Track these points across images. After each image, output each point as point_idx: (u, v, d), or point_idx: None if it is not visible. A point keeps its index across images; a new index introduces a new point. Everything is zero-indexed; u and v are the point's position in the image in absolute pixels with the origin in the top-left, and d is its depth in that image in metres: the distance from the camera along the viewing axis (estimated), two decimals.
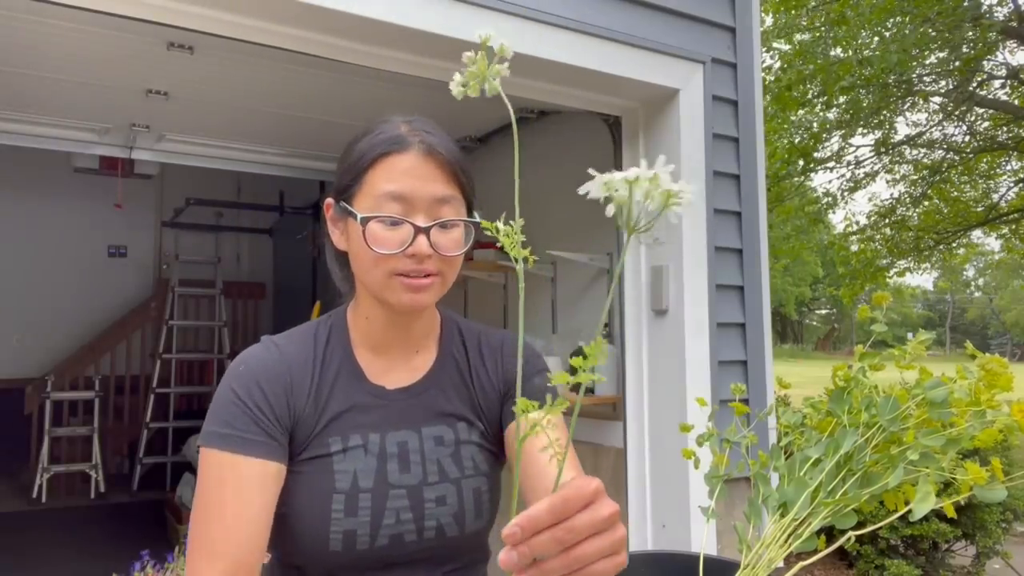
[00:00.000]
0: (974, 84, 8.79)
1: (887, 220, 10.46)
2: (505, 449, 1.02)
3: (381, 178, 0.90)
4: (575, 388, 0.53)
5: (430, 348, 1.03)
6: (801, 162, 9.44)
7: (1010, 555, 4.15)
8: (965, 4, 7.67)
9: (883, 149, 10.03)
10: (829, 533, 0.64)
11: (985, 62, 8.65)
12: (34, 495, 5.62)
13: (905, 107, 9.61)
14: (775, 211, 9.55)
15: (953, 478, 0.61)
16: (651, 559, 0.73)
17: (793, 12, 8.91)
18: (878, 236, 10.59)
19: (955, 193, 10.40)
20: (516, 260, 0.54)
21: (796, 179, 9.97)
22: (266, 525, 0.87)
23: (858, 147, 10.91)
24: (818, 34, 8.85)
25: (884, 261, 10.39)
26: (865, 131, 9.71)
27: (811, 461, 0.66)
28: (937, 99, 9.52)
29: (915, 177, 10.36)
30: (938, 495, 0.61)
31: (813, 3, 8.81)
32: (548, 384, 1.03)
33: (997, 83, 9.19)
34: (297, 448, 0.92)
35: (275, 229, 7.40)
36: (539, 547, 0.52)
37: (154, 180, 6.10)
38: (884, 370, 0.68)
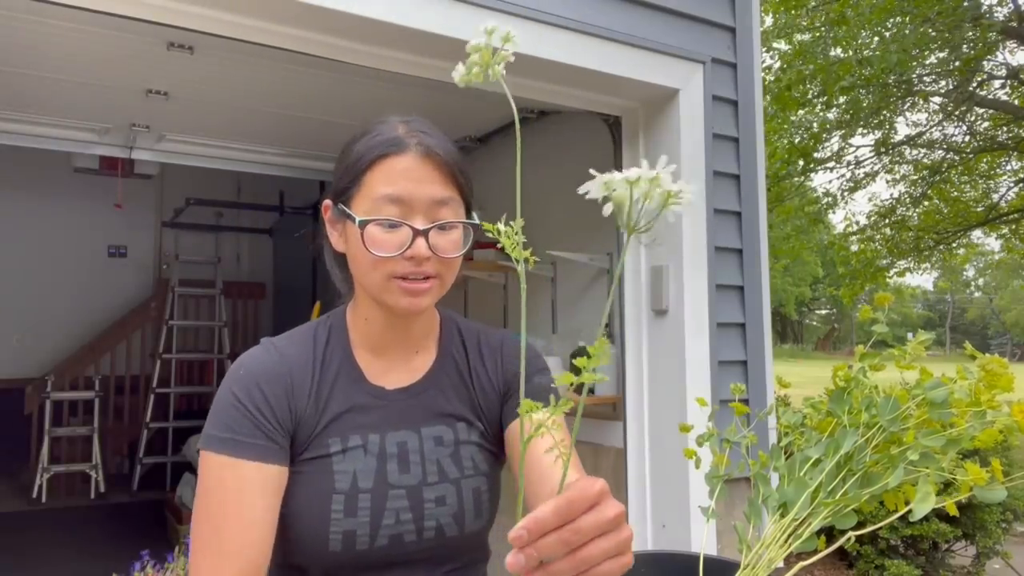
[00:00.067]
0: (974, 84, 8.79)
1: (887, 220, 10.47)
2: (505, 449, 1.02)
3: (379, 180, 0.89)
4: (578, 389, 0.53)
5: (429, 348, 1.03)
6: (801, 162, 9.44)
7: (1010, 555, 4.15)
8: (965, 4, 7.67)
9: (883, 149, 10.03)
10: (829, 533, 0.64)
11: (985, 62, 8.65)
12: (34, 495, 5.62)
13: (905, 107, 9.61)
14: (775, 211, 9.55)
15: (953, 478, 0.61)
16: (651, 559, 0.73)
17: (793, 12, 8.91)
18: (878, 236, 10.59)
19: (955, 193, 10.40)
20: (517, 261, 0.54)
21: (796, 179, 9.97)
22: (271, 527, 0.88)
23: (858, 147, 10.92)
24: (818, 34, 8.85)
25: (884, 261, 10.39)
26: (865, 131, 9.71)
27: (811, 461, 0.66)
28: (937, 99, 9.52)
29: (915, 177, 10.36)
30: (938, 495, 0.61)
31: (813, 3, 8.81)
32: (550, 382, 1.04)
33: (997, 83, 9.19)
34: (298, 449, 0.92)
35: (275, 229, 7.40)
36: (546, 549, 0.52)
37: (154, 180, 6.10)
38: (884, 370, 0.68)
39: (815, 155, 9.58)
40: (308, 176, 4.26)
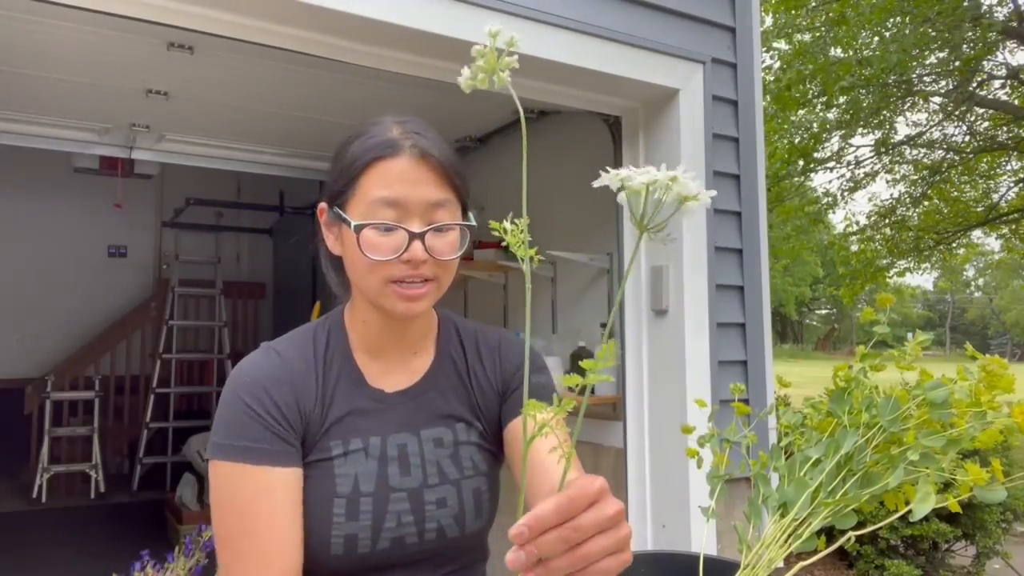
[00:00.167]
0: (974, 84, 8.79)
1: (887, 220, 10.47)
2: (504, 448, 1.02)
3: (374, 183, 0.89)
4: (580, 389, 0.53)
5: (428, 349, 1.03)
6: (801, 162, 9.44)
7: (1010, 555, 4.15)
8: (965, 4, 7.67)
9: (883, 149, 10.03)
10: (829, 533, 0.64)
11: (985, 62, 8.66)
12: (34, 495, 5.62)
13: (905, 107, 9.62)
14: (775, 211, 9.55)
15: (953, 478, 0.61)
16: (651, 559, 0.73)
17: (793, 12, 8.91)
18: (878, 236, 10.59)
19: (955, 193, 10.40)
20: (522, 260, 0.54)
21: (796, 179, 9.97)
22: (301, 530, 0.88)
23: (858, 147, 10.91)
24: (818, 34, 8.85)
25: (884, 261, 10.39)
26: (865, 131, 9.71)
27: (811, 461, 0.66)
28: (937, 99, 9.52)
29: (915, 177, 10.37)
30: (938, 495, 0.61)
31: (813, 3, 8.81)
32: (548, 381, 1.04)
33: (997, 83, 9.19)
34: (304, 451, 0.92)
35: (275, 229, 7.40)
36: (546, 546, 0.53)
37: (154, 180, 6.10)
38: (884, 370, 0.68)
39: (815, 155, 9.58)
40: (308, 176, 4.26)
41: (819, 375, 3.28)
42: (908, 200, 10.30)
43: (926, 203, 10.35)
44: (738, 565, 0.65)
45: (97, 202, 6.43)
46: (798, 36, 9.05)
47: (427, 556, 0.94)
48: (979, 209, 10.10)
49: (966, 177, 10.17)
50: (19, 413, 6.01)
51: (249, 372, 0.92)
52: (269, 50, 2.03)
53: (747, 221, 2.68)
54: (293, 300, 6.75)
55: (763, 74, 6.94)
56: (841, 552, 4.19)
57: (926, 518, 3.83)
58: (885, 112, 9.37)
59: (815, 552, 0.65)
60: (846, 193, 10.22)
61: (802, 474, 0.66)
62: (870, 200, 11.04)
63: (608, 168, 0.51)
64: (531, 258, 0.55)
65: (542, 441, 0.55)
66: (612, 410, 2.84)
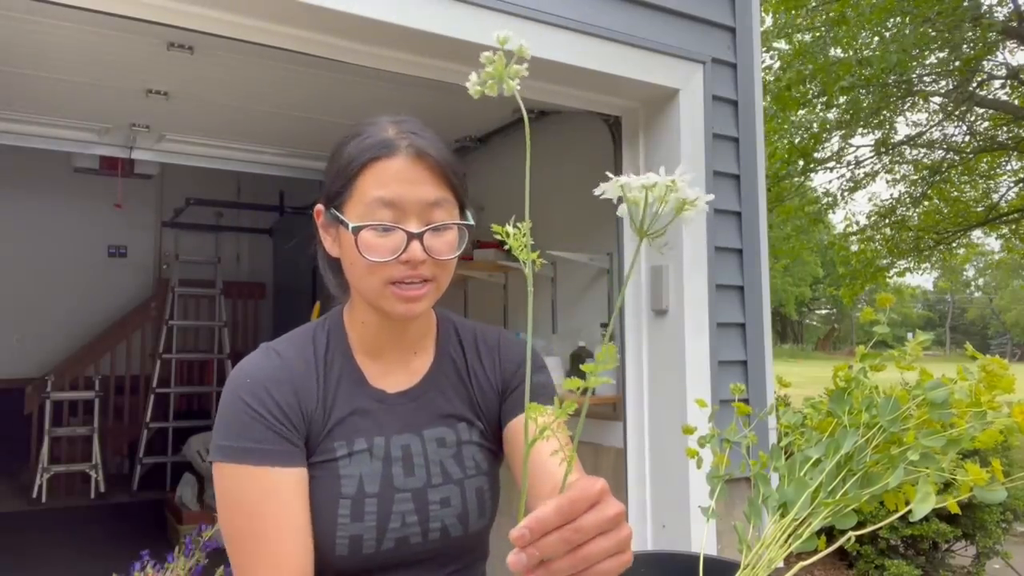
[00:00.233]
0: (974, 84, 8.79)
1: (887, 220, 10.47)
2: (504, 446, 1.02)
3: (371, 184, 0.88)
4: (582, 392, 0.53)
5: (427, 349, 1.03)
6: (801, 162, 9.44)
7: (1010, 555, 4.15)
8: (965, 4, 7.67)
9: (883, 149, 10.03)
10: (829, 533, 0.64)
11: (985, 62, 8.66)
12: (34, 495, 5.62)
13: (905, 107, 9.62)
14: (775, 211, 9.55)
15: (953, 479, 0.61)
16: (651, 559, 0.73)
17: (793, 12, 8.91)
18: (878, 236, 10.59)
19: (955, 193, 10.40)
20: (524, 262, 0.54)
21: (796, 179, 9.97)
22: (310, 530, 0.88)
23: (858, 147, 10.91)
24: (818, 34, 8.85)
25: (884, 261, 10.39)
26: (865, 131, 9.71)
27: (811, 461, 0.66)
28: (937, 99, 9.52)
29: (915, 177, 10.37)
30: (938, 495, 0.61)
31: (813, 3, 8.81)
32: (548, 380, 1.04)
33: (997, 83, 9.19)
34: (307, 452, 0.92)
35: (275, 229, 7.40)
36: (547, 548, 0.53)
37: (154, 180, 6.10)
38: (885, 370, 0.68)
39: (815, 155, 9.58)
40: (308, 176, 4.26)
41: (819, 375, 3.28)
42: (908, 200, 10.31)
43: (926, 203, 10.35)
44: (738, 565, 0.65)
45: (97, 202, 6.43)
46: (798, 36, 9.05)
47: (431, 556, 0.94)
48: (979, 209, 10.10)
49: (966, 177, 10.18)
50: (19, 413, 6.02)
51: (249, 372, 0.91)
52: (269, 50, 2.03)
53: (747, 221, 2.68)
54: (293, 300, 6.75)
55: (763, 74, 6.94)
56: (841, 552, 4.19)
57: (926, 518, 3.83)
58: (885, 112, 9.37)
59: (815, 552, 0.65)
60: (846, 193, 10.22)
61: (802, 474, 0.66)
62: (870, 200, 11.05)
63: (609, 174, 0.51)
64: (533, 260, 0.55)
65: (543, 443, 0.55)
66: (612, 410, 2.84)
